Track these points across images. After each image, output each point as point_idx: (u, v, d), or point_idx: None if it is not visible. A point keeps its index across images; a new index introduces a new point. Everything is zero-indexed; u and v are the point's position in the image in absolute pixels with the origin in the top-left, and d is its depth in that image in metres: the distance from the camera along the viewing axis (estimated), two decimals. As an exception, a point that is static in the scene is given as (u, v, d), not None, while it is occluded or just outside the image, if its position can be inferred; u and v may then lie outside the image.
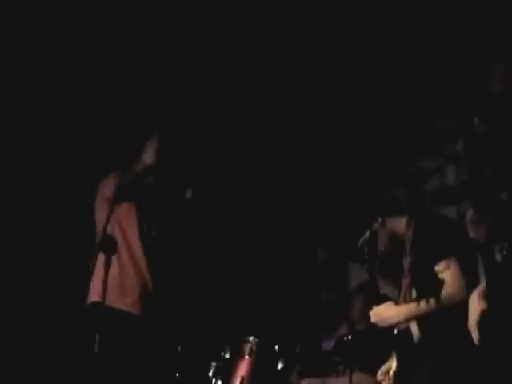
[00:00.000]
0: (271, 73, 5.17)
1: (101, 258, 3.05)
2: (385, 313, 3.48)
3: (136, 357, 3.70)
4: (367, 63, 5.14)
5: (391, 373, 3.55)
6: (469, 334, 2.96)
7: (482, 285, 2.95)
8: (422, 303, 3.38)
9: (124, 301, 3.76)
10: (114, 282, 3.68)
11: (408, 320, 3.50)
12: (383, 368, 3.68)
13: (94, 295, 3.58)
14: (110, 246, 3.06)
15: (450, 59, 4.12)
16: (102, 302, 3.06)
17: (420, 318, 3.47)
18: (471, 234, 2.21)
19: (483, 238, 2.19)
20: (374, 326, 3.64)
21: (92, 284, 3.52)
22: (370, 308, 3.56)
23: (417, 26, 4.58)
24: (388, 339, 3.62)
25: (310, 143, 5.98)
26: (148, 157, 3.84)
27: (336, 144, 6.18)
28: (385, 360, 3.69)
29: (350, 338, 4.44)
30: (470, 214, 2.20)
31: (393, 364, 3.55)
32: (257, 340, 4.21)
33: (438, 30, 4.61)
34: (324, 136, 6.05)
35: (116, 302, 3.70)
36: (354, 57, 5.10)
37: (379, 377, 3.69)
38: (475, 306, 2.79)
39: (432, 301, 3.33)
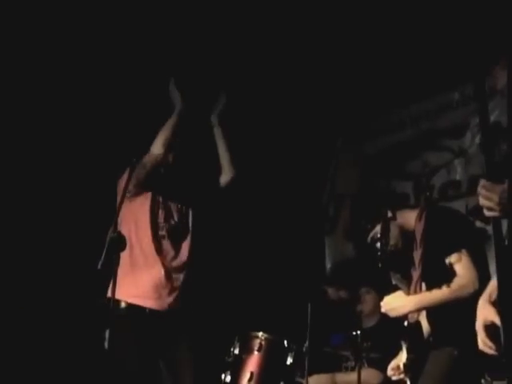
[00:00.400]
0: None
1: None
2: (395, 302, 3.49)
3: (148, 349, 3.71)
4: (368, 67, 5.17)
5: (401, 364, 3.54)
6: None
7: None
8: (433, 293, 3.38)
9: (137, 295, 3.77)
10: (127, 277, 3.70)
11: (418, 310, 3.50)
12: (393, 363, 3.67)
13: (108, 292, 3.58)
14: (118, 243, 3.05)
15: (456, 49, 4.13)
16: (113, 298, 3.06)
17: (430, 308, 3.47)
18: (481, 201, 2.17)
19: (495, 204, 2.15)
20: (385, 316, 3.63)
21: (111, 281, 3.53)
22: (381, 299, 3.56)
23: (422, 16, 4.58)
24: (398, 334, 3.60)
25: (318, 142, 5.99)
26: (156, 147, 3.84)
27: (337, 139, 6.19)
28: (394, 355, 3.68)
29: (359, 333, 4.42)
30: (481, 181, 2.16)
31: (402, 356, 3.54)
32: (266, 335, 4.20)
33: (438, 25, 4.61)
34: (328, 133, 6.06)
35: (129, 296, 3.73)
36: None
37: (389, 372, 3.68)
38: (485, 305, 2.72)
39: (443, 291, 3.33)
